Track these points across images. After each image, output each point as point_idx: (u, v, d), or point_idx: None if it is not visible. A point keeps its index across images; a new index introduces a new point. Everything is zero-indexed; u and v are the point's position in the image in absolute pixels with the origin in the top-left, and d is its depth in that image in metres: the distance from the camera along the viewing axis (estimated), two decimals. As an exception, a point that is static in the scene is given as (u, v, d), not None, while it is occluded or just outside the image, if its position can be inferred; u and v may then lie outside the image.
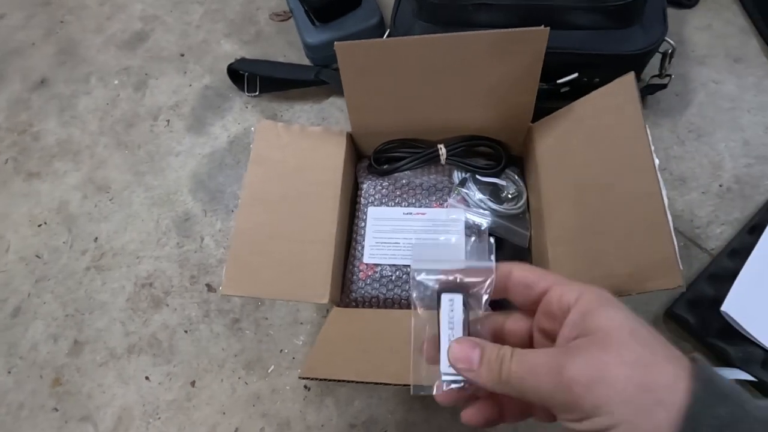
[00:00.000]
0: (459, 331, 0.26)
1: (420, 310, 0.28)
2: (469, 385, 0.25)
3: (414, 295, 0.28)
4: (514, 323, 0.27)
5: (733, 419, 0.18)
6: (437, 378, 0.26)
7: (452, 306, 0.26)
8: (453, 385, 0.25)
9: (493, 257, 0.27)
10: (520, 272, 0.25)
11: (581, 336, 0.21)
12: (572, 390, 0.19)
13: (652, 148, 0.37)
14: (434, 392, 0.26)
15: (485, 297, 0.26)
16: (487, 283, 0.26)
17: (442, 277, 0.27)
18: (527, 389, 0.21)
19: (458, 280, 0.27)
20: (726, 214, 0.53)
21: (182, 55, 0.72)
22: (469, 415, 0.25)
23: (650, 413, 0.18)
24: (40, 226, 0.61)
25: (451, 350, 0.24)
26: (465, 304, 0.26)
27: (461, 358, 0.24)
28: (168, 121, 0.67)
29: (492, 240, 0.29)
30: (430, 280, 0.27)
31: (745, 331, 0.44)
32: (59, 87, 0.71)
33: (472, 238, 0.29)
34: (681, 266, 0.33)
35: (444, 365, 0.25)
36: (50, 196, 0.63)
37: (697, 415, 0.18)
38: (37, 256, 0.59)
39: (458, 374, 0.25)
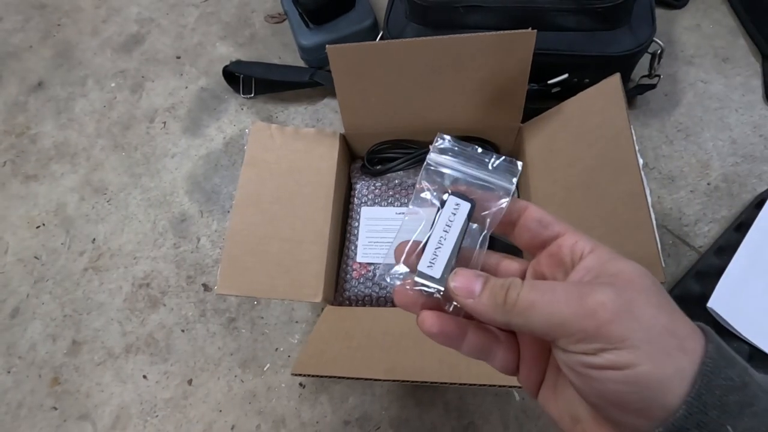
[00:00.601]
0: (453, 238, 0.24)
1: (419, 209, 0.26)
2: (443, 300, 0.24)
3: (423, 175, 0.26)
4: (507, 266, 0.26)
5: (741, 383, 0.18)
6: (403, 277, 0.24)
7: (456, 210, 0.24)
8: (423, 288, 0.23)
9: (515, 180, 0.25)
10: (537, 209, 0.24)
11: (600, 278, 0.20)
12: (597, 316, 0.18)
13: (637, 148, 0.38)
14: (396, 285, 0.24)
15: (489, 220, 0.24)
16: (499, 206, 0.24)
17: (458, 175, 0.25)
18: (535, 316, 0.20)
19: (471, 192, 0.25)
20: (713, 212, 0.54)
21: (178, 58, 0.73)
22: (430, 319, 0.23)
23: (674, 357, 0.18)
24: (38, 227, 0.62)
25: (453, 279, 0.23)
26: (470, 215, 0.24)
27: (462, 286, 0.22)
28: (164, 123, 0.68)
29: (519, 163, 0.26)
30: (445, 174, 0.25)
31: (731, 327, 0.45)
32: (56, 90, 0.72)
33: (492, 156, 0.26)
34: (663, 263, 0.33)
35: (423, 265, 0.24)
36: (48, 198, 0.64)
37: (710, 373, 0.18)
38: (36, 258, 0.60)
39: (434, 281, 0.23)
